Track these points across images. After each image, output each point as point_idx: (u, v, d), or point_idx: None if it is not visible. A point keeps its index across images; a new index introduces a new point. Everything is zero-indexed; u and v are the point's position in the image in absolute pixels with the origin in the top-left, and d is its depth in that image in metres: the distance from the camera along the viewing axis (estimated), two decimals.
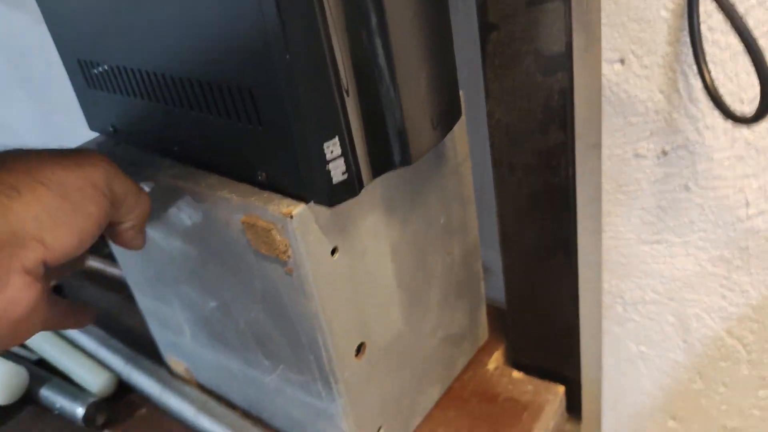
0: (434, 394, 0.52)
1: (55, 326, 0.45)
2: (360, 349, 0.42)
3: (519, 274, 0.48)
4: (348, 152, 0.33)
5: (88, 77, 0.45)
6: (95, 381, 0.63)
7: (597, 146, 0.47)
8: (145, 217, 0.39)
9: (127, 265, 0.53)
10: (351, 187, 0.34)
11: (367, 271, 0.40)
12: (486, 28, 0.38)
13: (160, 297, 0.52)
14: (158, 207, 0.42)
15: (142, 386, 0.62)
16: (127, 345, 0.67)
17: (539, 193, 0.43)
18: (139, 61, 0.39)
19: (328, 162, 0.33)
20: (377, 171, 0.35)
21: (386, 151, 0.35)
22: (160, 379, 0.62)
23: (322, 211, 0.35)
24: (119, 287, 0.78)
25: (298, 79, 0.30)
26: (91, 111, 0.48)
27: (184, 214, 0.41)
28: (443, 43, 0.35)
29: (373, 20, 0.31)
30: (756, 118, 0.40)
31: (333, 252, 0.37)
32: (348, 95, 0.32)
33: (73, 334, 0.69)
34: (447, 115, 0.38)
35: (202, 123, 0.38)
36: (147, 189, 0.42)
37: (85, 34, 0.42)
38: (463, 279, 0.50)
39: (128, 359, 0.64)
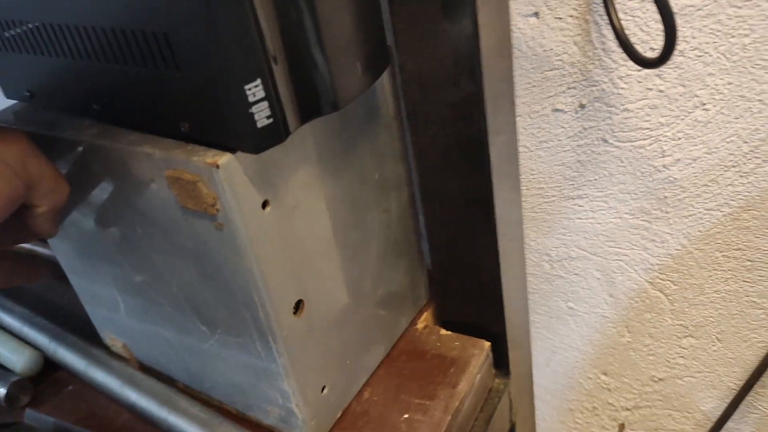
0: (378, 353, 0.51)
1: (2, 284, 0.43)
2: (298, 306, 0.41)
3: (440, 229, 0.48)
4: (272, 95, 0.32)
5: (2, 42, 0.43)
6: (18, 359, 0.61)
7: (509, 100, 0.47)
8: (60, 204, 0.38)
9: (56, 242, 0.51)
10: (277, 133, 0.33)
11: (300, 225, 0.40)
12: None
13: (91, 272, 0.51)
14: (79, 170, 0.41)
15: (69, 362, 0.61)
16: (54, 323, 0.65)
17: (456, 145, 0.43)
18: (51, 16, 0.37)
19: (251, 104, 0.31)
20: (305, 116, 0.34)
21: (313, 96, 0.34)
22: (85, 354, 0.60)
23: (250, 161, 0.34)
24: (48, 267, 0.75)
25: (215, 17, 0.29)
26: (4, 78, 0.46)
27: (106, 175, 0.40)
28: None
29: None
30: (661, 59, 0.40)
31: (264, 205, 0.36)
32: (269, 33, 0.31)
33: None
34: (374, 60, 0.36)
35: (119, 76, 0.36)
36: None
37: None
38: (400, 238, 0.50)
39: (54, 336, 0.62)
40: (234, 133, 0.33)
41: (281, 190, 0.37)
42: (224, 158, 0.33)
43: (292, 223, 0.39)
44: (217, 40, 0.30)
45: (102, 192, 0.41)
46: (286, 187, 0.38)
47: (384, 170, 0.46)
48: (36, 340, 0.63)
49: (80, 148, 0.40)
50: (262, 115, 0.32)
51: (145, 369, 0.57)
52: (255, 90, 0.31)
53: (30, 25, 0.39)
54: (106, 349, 0.59)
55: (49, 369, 0.62)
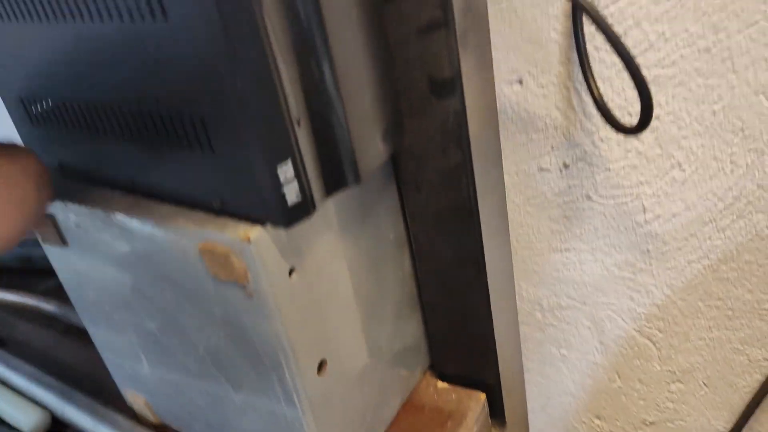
0: (395, 404, 0.53)
1: None
2: (321, 366, 0.43)
3: (435, 287, 0.50)
4: (302, 175, 0.35)
5: (32, 115, 0.45)
6: (26, 419, 0.62)
7: (496, 164, 0.50)
8: None
9: (79, 295, 0.53)
10: (306, 208, 0.36)
11: (323, 288, 0.42)
12: None
13: (115, 326, 0.52)
14: (113, 237, 0.43)
15: (77, 421, 0.62)
16: (62, 381, 0.67)
17: (446, 210, 0.45)
18: (87, 96, 0.39)
19: (282, 185, 0.34)
20: (330, 190, 0.37)
21: (338, 171, 0.36)
22: (94, 413, 0.61)
23: (278, 233, 0.37)
24: (54, 324, 0.77)
25: (249, 105, 0.31)
26: (36, 149, 0.48)
27: (138, 243, 0.42)
28: (384, 65, 0.37)
29: (318, 44, 0.33)
30: (639, 128, 0.43)
31: (290, 273, 0.39)
32: (298, 117, 0.33)
33: (4, 372, 0.69)
34: (393, 132, 0.40)
35: (154, 153, 0.39)
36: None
37: (28, 73, 0.42)
38: (414, 291, 0.52)
39: (62, 395, 0.64)
40: (265, 210, 0.35)
41: (306, 257, 0.40)
42: (255, 232, 0.36)
43: (315, 287, 0.41)
44: (251, 125, 0.32)
45: (134, 258, 0.43)
46: (310, 254, 0.40)
47: (398, 229, 0.48)
48: (44, 399, 0.64)
49: (114, 218, 0.42)
50: (292, 193, 0.35)
51: (163, 428, 0.58)
52: (286, 171, 0.34)
53: (66, 102, 0.42)
54: (114, 407, 0.60)
55: (57, 428, 0.63)
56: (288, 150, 0.34)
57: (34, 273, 0.85)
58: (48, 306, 0.78)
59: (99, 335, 0.56)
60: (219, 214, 0.38)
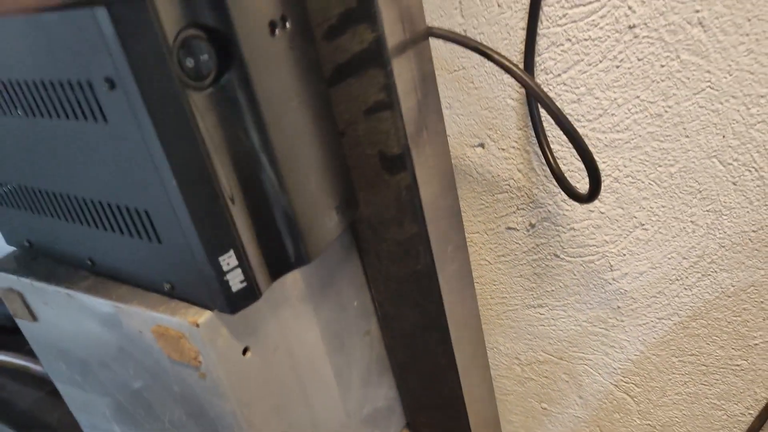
0: None
1: None
2: None
3: (402, 350, 0.50)
4: (244, 262, 0.35)
5: (4, 197, 0.46)
6: None
7: (456, 229, 0.50)
8: None
9: (51, 365, 0.53)
10: (251, 293, 0.36)
11: (282, 363, 0.42)
12: None
13: (87, 394, 0.53)
14: (77, 315, 0.43)
15: None
16: None
17: (406, 278, 0.46)
18: (46, 184, 0.41)
19: (225, 273, 0.35)
20: (276, 274, 0.37)
21: (282, 254, 0.37)
22: None
23: (229, 316, 0.37)
24: (41, 384, 0.78)
25: (187, 202, 0.32)
26: (5, 227, 0.49)
27: (100, 322, 0.42)
28: (331, 147, 0.38)
29: (255, 137, 0.33)
30: (590, 197, 0.43)
31: (244, 352, 0.39)
32: (238, 208, 0.34)
33: None
34: (345, 208, 0.40)
35: (109, 240, 0.39)
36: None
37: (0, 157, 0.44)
38: (383, 355, 0.52)
39: None
40: (211, 296, 0.36)
41: (261, 335, 0.40)
42: (204, 317, 0.36)
43: (273, 363, 0.41)
44: (191, 218, 0.33)
45: (97, 335, 0.44)
46: (266, 332, 0.40)
47: (362, 297, 0.48)
48: None
49: (76, 298, 0.42)
50: (236, 280, 0.35)
51: None
52: (228, 260, 0.34)
53: (28, 187, 0.43)
54: None
55: None
56: (229, 241, 0.34)
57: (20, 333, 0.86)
58: (36, 367, 0.78)
59: (73, 400, 0.57)
60: (172, 298, 0.39)
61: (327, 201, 0.38)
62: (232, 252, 0.34)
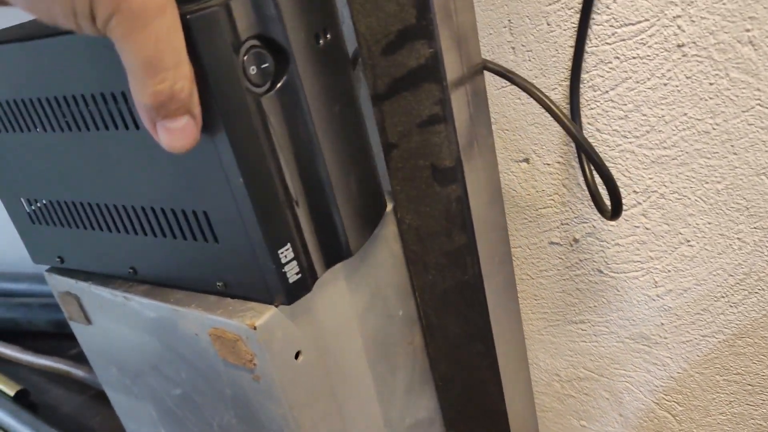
0: None
1: None
2: None
3: (445, 362, 0.51)
4: (301, 254, 0.37)
5: (33, 215, 0.48)
6: None
7: (502, 242, 0.51)
8: None
9: (102, 368, 0.54)
10: (305, 285, 0.38)
11: (331, 368, 0.43)
12: (387, 147, 0.42)
13: (135, 399, 0.54)
14: (132, 319, 0.45)
15: None
16: None
17: (453, 289, 0.46)
18: (87, 196, 0.42)
19: (283, 266, 0.36)
20: (324, 266, 0.39)
21: (330, 247, 0.39)
22: None
23: (284, 316, 0.38)
24: (83, 388, 0.80)
25: (253, 199, 0.34)
26: (35, 245, 0.51)
27: (154, 326, 0.44)
28: (365, 156, 0.40)
29: (306, 133, 0.35)
30: (613, 216, 0.44)
31: (297, 355, 0.40)
32: (294, 205, 0.36)
33: None
34: (375, 210, 0.42)
35: (155, 245, 0.41)
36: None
37: (34, 175, 0.45)
38: (426, 366, 0.53)
39: None
40: (267, 290, 0.37)
41: (312, 340, 0.41)
42: (261, 320, 0.37)
43: (323, 368, 0.42)
44: (255, 216, 0.34)
45: (151, 339, 0.45)
46: (317, 337, 0.41)
47: (408, 306, 0.49)
48: None
49: (133, 301, 0.44)
50: (292, 272, 0.37)
51: None
52: (286, 252, 0.36)
53: (74, 202, 0.44)
54: None
55: None
56: (287, 235, 0.36)
57: (66, 337, 0.88)
58: (78, 371, 0.80)
59: (120, 406, 0.58)
60: (224, 296, 0.40)
61: (364, 199, 0.40)
62: (289, 245, 0.36)
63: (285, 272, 0.36)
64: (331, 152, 0.37)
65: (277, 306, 0.38)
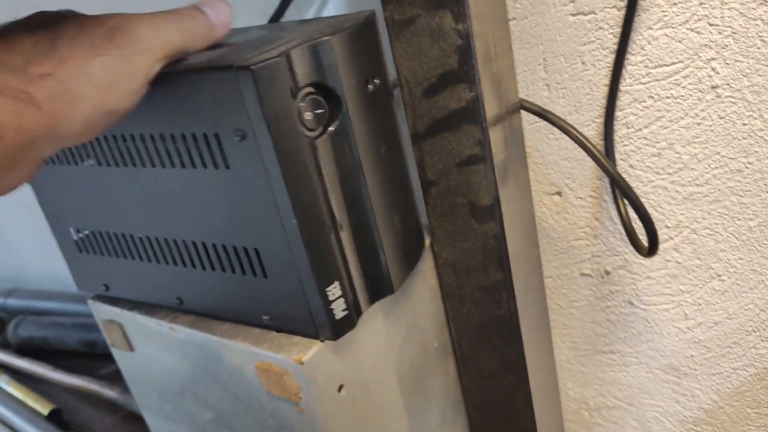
0: None
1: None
2: None
3: (479, 393, 0.52)
4: (347, 292, 0.38)
5: (81, 243, 0.49)
6: None
7: (536, 276, 0.51)
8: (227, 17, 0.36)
9: (140, 392, 0.56)
10: (350, 321, 0.39)
11: (371, 400, 0.44)
12: (426, 184, 0.44)
13: (172, 423, 0.55)
14: (177, 348, 0.46)
15: None
16: None
17: (488, 322, 0.47)
18: (145, 230, 0.44)
19: (330, 303, 0.38)
20: (368, 302, 0.41)
21: (374, 284, 0.40)
22: None
23: (329, 352, 0.40)
24: (114, 409, 0.81)
25: (304, 239, 0.35)
26: (81, 272, 0.52)
27: (199, 355, 0.45)
28: (407, 195, 0.41)
29: (355, 175, 0.37)
30: (650, 253, 0.45)
31: (340, 389, 0.41)
32: (343, 244, 0.37)
33: None
34: (416, 247, 0.44)
35: (204, 278, 0.42)
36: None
37: (84, 205, 0.46)
38: (459, 396, 0.53)
39: None
40: (314, 325, 0.38)
41: (354, 374, 0.42)
42: (307, 355, 0.38)
43: (363, 400, 0.43)
44: (307, 254, 0.35)
45: (194, 367, 0.46)
46: (359, 370, 0.43)
47: (443, 337, 0.50)
48: None
49: (179, 332, 0.45)
50: (339, 309, 0.38)
51: None
52: (334, 290, 0.37)
53: (124, 234, 0.46)
54: None
55: None
56: (336, 273, 0.37)
57: (97, 357, 0.90)
58: (110, 392, 0.81)
59: (156, 428, 0.59)
60: (269, 329, 0.41)
61: (406, 235, 0.41)
62: (337, 283, 0.37)
63: (332, 309, 0.38)
64: (377, 191, 0.38)
65: (322, 341, 0.39)
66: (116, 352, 0.54)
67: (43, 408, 0.81)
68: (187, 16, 0.34)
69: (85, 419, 0.81)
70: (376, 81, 0.37)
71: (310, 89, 0.34)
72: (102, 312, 0.51)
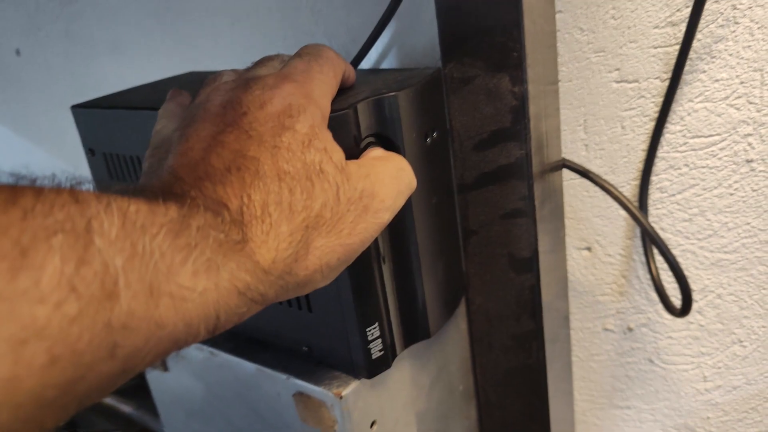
0: None
1: None
2: None
3: None
4: (386, 334, 0.40)
5: None
6: None
7: (564, 327, 0.53)
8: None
9: (169, 411, 0.57)
10: (385, 362, 0.41)
11: None
12: (467, 233, 0.45)
13: None
14: (214, 371, 0.48)
15: None
16: None
17: (515, 370, 0.49)
18: None
19: (369, 342, 0.40)
20: (404, 345, 0.43)
21: (411, 328, 0.42)
22: None
23: (364, 388, 0.41)
24: (129, 424, 0.82)
25: (353, 282, 0.37)
26: None
27: (236, 380, 0.46)
28: (453, 245, 0.43)
29: (406, 224, 0.39)
30: (682, 313, 0.46)
31: (372, 425, 0.43)
32: (386, 289, 0.39)
33: None
34: (455, 295, 0.46)
35: None
36: None
37: None
38: None
39: None
40: (351, 362, 0.40)
41: (386, 410, 0.44)
42: (347, 390, 0.40)
43: None
44: (353, 296, 0.37)
45: (228, 391, 0.48)
46: (390, 408, 0.44)
47: (467, 382, 0.52)
48: None
49: (219, 357, 0.47)
50: (376, 349, 0.40)
51: None
52: (373, 331, 0.39)
53: None
54: None
55: None
56: (376, 315, 0.39)
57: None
58: (125, 407, 0.82)
59: None
60: (307, 359, 0.43)
61: (448, 284, 0.43)
62: (377, 324, 0.39)
63: (370, 348, 0.39)
64: (425, 241, 0.40)
65: (357, 378, 0.40)
66: (149, 373, 0.55)
67: None
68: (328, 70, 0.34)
69: None
70: (435, 134, 0.39)
71: (371, 140, 0.36)
72: None
